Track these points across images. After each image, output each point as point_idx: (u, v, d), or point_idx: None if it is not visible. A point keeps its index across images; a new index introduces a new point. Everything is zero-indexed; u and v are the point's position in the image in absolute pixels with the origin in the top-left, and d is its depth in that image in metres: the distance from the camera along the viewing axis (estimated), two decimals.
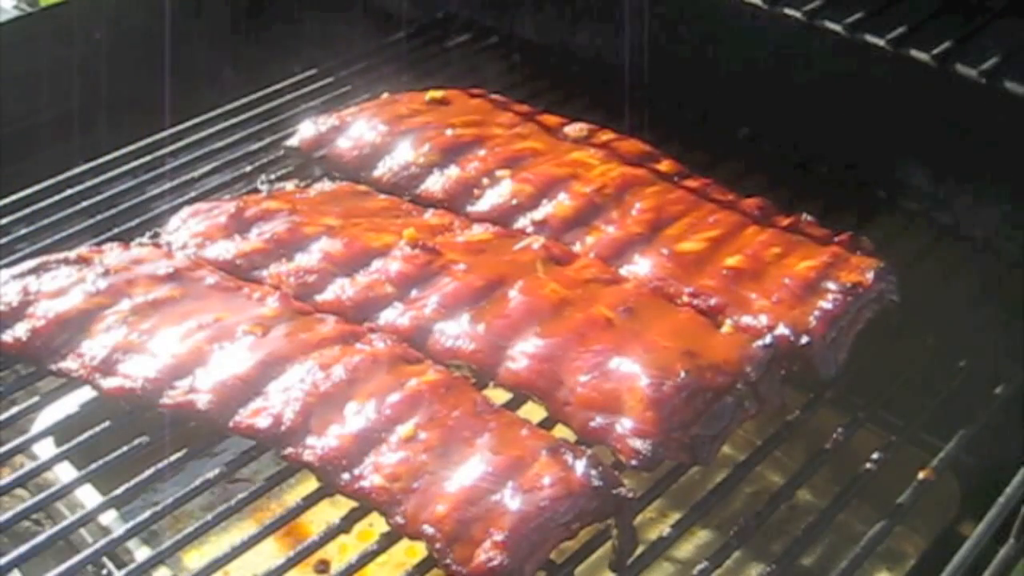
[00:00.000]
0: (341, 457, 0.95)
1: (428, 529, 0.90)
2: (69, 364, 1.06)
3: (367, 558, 0.93)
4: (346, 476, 0.95)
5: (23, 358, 1.08)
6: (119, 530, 0.96)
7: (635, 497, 0.94)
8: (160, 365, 1.03)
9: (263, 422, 0.98)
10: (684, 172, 1.28)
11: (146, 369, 1.03)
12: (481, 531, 0.89)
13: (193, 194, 1.31)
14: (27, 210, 1.29)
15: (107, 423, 1.04)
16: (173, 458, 1.00)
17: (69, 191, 1.32)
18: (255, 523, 1.00)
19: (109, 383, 1.03)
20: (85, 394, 1.09)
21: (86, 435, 1.04)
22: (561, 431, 1.03)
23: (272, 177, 1.34)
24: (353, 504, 0.97)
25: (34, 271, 1.13)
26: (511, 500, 0.90)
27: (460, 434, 0.96)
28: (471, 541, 0.89)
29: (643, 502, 0.99)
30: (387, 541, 0.94)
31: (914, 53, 1.17)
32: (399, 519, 0.92)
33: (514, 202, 1.23)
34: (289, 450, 0.97)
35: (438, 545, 0.90)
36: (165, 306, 1.09)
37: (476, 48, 1.62)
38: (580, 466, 0.92)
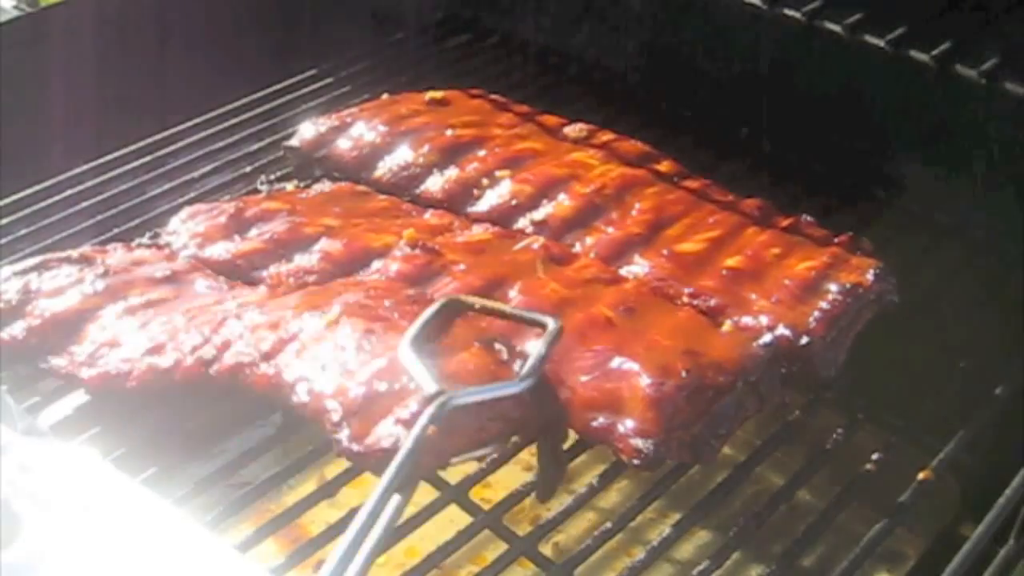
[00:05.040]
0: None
1: (330, 404, 0.90)
2: (58, 362, 1.06)
3: None
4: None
5: (20, 356, 1.08)
6: None
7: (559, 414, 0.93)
8: (135, 349, 1.04)
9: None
10: (684, 172, 1.28)
11: (122, 353, 1.04)
12: (384, 410, 0.89)
13: (193, 194, 1.31)
14: (28, 210, 1.29)
15: (97, 429, 1.04)
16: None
17: (70, 191, 1.32)
18: (254, 523, 1.00)
19: (89, 373, 1.04)
20: (80, 397, 1.09)
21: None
22: None
23: (272, 177, 1.34)
24: (352, 504, 0.97)
25: (35, 269, 1.13)
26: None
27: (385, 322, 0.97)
28: (368, 421, 0.89)
29: (644, 503, 0.99)
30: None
31: (914, 54, 1.17)
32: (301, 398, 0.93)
33: (514, 202, 1.23)
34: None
35: (335, 417, 0.89)
36: (159, 306, 1.09)
37: (476, 49, 1.63)
38: (516, 364, 0.92)
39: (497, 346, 0.98)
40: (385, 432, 0.89)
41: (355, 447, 0.89)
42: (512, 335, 1.01)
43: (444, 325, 0.99)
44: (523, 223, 1.21)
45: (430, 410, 0.87)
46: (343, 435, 0.90)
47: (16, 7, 1.50)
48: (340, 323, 0.99)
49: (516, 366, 0.95)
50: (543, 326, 0.97)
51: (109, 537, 0.70)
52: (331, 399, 0.93)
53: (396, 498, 0.84)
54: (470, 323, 1.00)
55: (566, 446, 1.02)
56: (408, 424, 0.88)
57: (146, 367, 1.02)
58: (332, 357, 0.96)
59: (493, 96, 1.43)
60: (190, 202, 1.27)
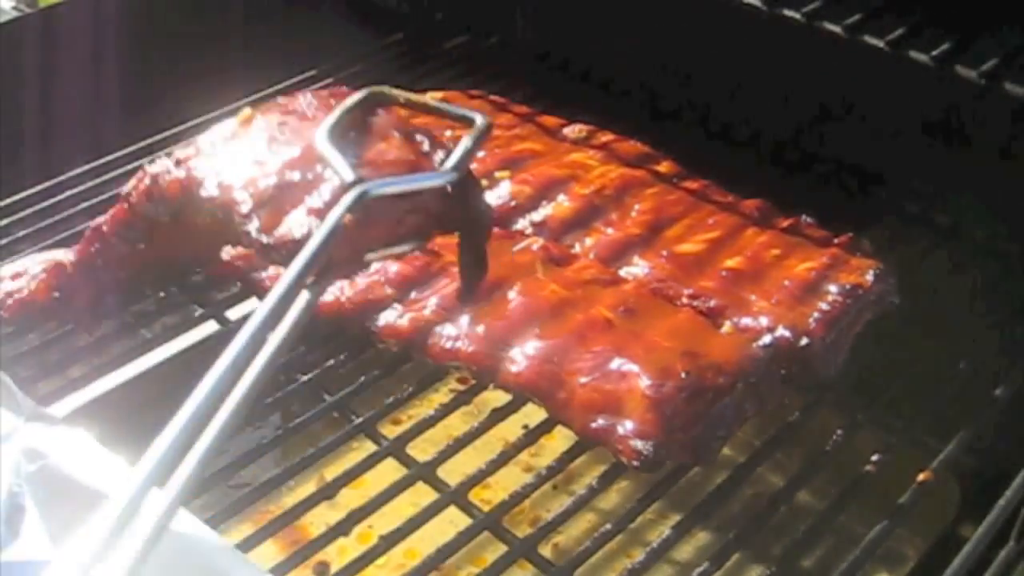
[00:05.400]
0: None
1: (239, 194, 0.88)
2: None
3: (367, 560, 0.94)
4: None
5: None
6: None
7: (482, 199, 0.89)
8: None
9: None
10: (683, 173, 1.28)
11: None
12: (296, 200, 0.87)
13: None
14: (28, 211, 1.29)
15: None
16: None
17: (70, 192, 1.32)
18: (253, 525, 1.00)
19: None
20: (81, 398, 1.09)
21: None
22: (563, 432, 1.04)
23: None
24: (352, 506, 0.97)
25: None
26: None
27: None
28: (279, 211, 0.86)
29: (643, 504, 0.99)
30: (386, 543, 0.94)
31: (913, 55, 1.17)
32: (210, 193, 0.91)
33: (513, 203, 1.23)
34: None
35: (243, 208, 0.86)
36: None
37: (475, 49, 1.62)
38: (438, 156, 0.90)
39: (419, 137, 0.93)
40: (297, 222, 0.84)
41: (264, 238, 0.85)
42: (438, 129, 0.97)
43: (365, 117, 0.93)
44: (522, 224, 1.21)
45: (347, 199, 0.81)
46: (252, 226, 0.86)
47: (15, 8, 1.50)
48: (254, 120, 0.95)
49: (438, 158, 0.91)
50: (471, 122, 0.91)
51: (116, 527, 0.68)
52: (240, 190, 0.88)
53: (305, 294, 0.79)
54: (394, 116, 0.96)
55: (567, 447, 1.03)
56: (321, 214, 0.83)
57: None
58: (244, 151, 0.92)
59: (492, 97, 1.43)
60: None
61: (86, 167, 1.36)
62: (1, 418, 0.79)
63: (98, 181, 1.34)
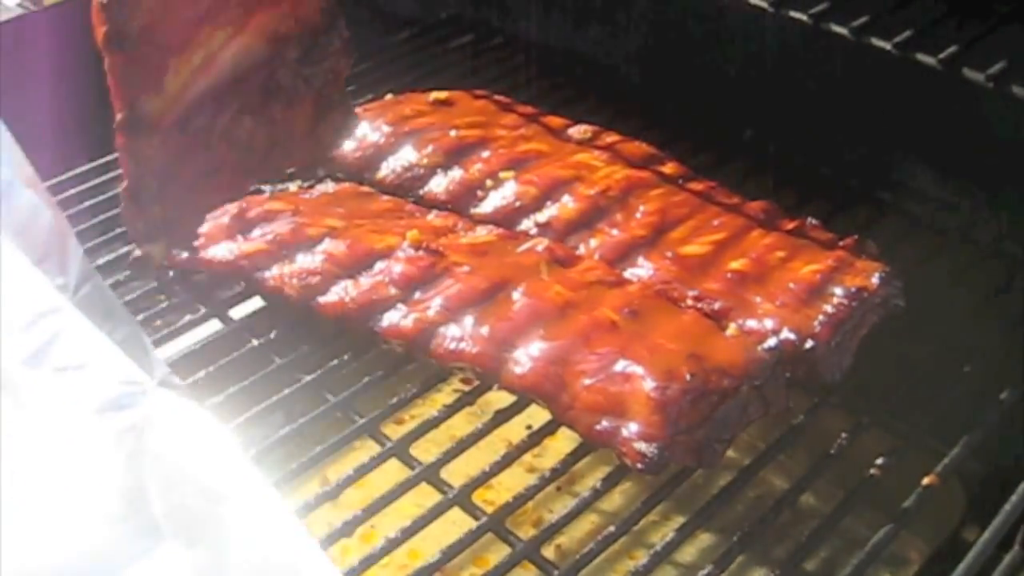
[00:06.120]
0: None
1: None
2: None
3: (370, 561, 0.93)
4: None
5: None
6: None
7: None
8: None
9: None
10: (689, 175, 1.28)
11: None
12: None
13: None
14: None
15: None
16: None
17: (72, 190, 1.32)
18: None
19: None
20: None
21: None
22: (567, 433, 1.03)
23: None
24: (355, 506, 0.97)
25: None
26: None
27: None
28: None
29: (647, 506, 0.99)
30: (390, 544, 0.94)
31: (920, 57, 1.17)
32: None
33: (518, 204, 1.23)
34: None
35: None
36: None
37: (480, 49, 1.62)
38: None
39: None
40: None
41: None
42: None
43: None
44: (527, 224, 1.21)
45: None
46: None
47: (20, 5, 1.50)
48: None
49: None
50: None
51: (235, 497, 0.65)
52: None
53: None
54: None
55: (571, 449, 1.02)
56: None
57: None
58: None
59: (497, 97, 1.42)
60: None
61: (89, 166, 1.36)
62: (133, 376, 0.76)
63: (100, 180, 1.33)
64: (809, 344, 1.05)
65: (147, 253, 1.07)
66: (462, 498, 0.99)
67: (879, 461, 1.02)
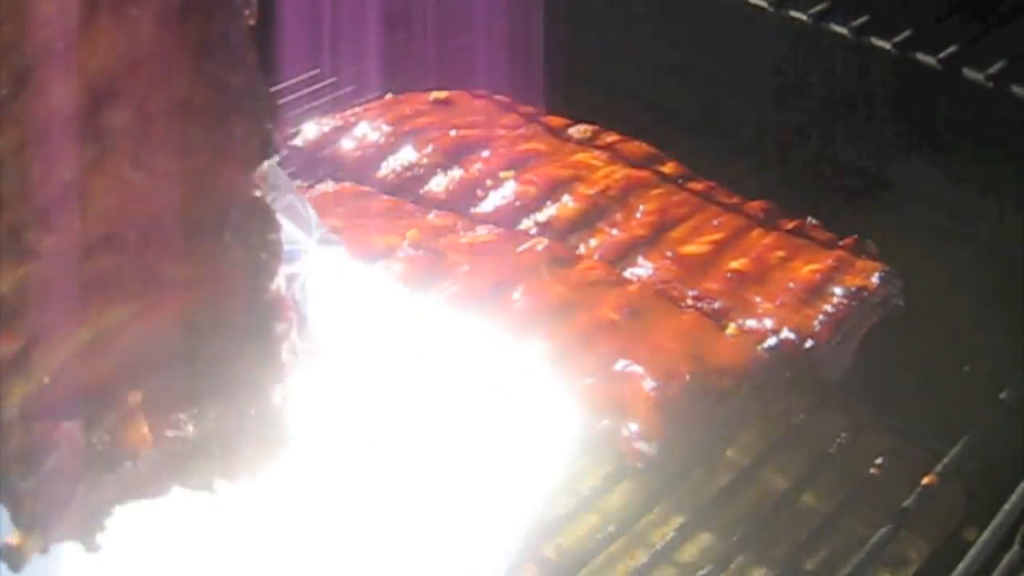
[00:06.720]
0: None
1: None
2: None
3: None
4: None
5: None
6: None
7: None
8: None
9: None
10: (688, 175, 1.28)
11: None
12: None
13: None
14: None
15: None
16: None
17: None
18: None
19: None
20: None
21: None
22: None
23: None
24: None
25: None
26: None
27: None
28: None
29: (647, 506, 0.99)
30: None
31: (920, 57, 1.17)
32: None
33: (518, 204, 1.22)
34: None
35: None
36: None
37: (480, 48, 1.62)
38: None
39: None
40: None
41: None
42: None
43: None
44: (527, 224, 1.21)
45: None
46: None
47: None
48: None
49: None
50: None
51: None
52: None
53: None
54: None
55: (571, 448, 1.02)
56: None
57: None
58: None
59: (497, 96, 1.42)
60: None
61: None
62: (293, 235, 0.82)
63: None
64: (809, 344, 1.05)
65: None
66: None
67: (879, 461, 1.03)
